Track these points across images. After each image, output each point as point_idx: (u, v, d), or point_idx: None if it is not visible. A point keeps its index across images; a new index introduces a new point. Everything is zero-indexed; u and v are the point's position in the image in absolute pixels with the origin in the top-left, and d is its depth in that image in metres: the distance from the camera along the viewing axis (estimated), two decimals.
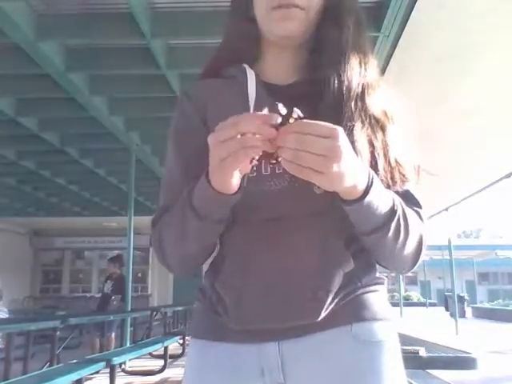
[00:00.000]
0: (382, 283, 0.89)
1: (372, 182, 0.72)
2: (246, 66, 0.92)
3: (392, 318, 0.86)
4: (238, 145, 0.63)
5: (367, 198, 0.72)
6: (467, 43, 4.56)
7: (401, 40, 4.45)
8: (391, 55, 4.72)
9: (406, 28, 4.24)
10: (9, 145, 7.68)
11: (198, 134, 0.89)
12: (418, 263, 0.86)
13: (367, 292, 0.84)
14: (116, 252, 15.32)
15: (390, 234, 0.77)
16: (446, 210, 13.40)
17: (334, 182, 0.66)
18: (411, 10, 3.99)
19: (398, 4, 3.86)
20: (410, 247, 0.81)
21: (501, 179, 9.84)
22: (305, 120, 0.64)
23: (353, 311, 0.82)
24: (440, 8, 4.01)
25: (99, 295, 8.38)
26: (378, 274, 0.88)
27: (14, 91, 5.76)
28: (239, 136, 0.63)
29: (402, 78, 5.13)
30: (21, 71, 5.27)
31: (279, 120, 0.63)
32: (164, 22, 4.28)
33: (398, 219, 0.77)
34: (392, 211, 0.76)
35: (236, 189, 0.72)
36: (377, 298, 0.85)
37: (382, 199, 0.75)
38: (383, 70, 5.00)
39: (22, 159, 8.25)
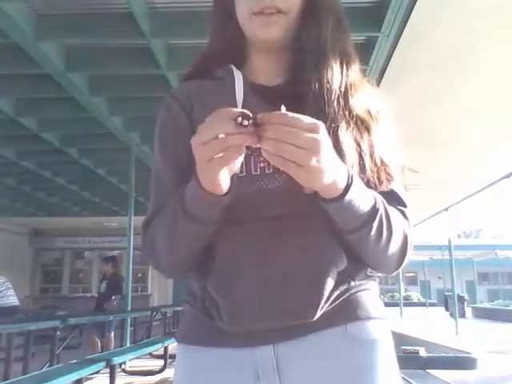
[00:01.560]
0: (374, 280, 0.89)
1: (352, 181, 0.72)
2: (233, 66, 0.92)
3: (385, 316, 0.86)
4: (219, 147, 0.63)
5: (347, 197, 0.71)
6: (467, 43, 4.56)
7: (401, 40, 4.45)
8: (391, 55, 4.72)
9: (406, 28, 4.24)
10: (9, 145, 7.68)
11: (185, 133, 0.87)
12: (403, 263, 0.85)
13: (360, 290, 0.84)
14: (116, 252, 15.36)
15: (373, 233, 0.77)
16: (446, 210, 13.40)
17: (313, 177, 0.66)
18: (411, 10, 3.99)
19: (398, 4, 3.86)
20: (393, 247, 0.81)
21: (501, 179, 9.84)
22: (288, 112, 0.64)
23: (347, 311, 0.81)
24: (440, 8, 4.02)
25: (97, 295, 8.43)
26: (369, 271, 0.87)
27: (14, 91, 5.76)
28: (221, 135, 0.63)
29: (402, 78, 5.14)
30: (21, 71, 5.27)
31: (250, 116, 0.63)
32: (164, 22, 4.29)
33: (381, 218, 0.77)
34: (374, 210, 0.76)
35: (226, 189, 0.72)
36: (370, 296, 0.85)
37: (362, 198, 0.74)
38: (383, 70, 5.00)
39: (22, 159, 8.25)
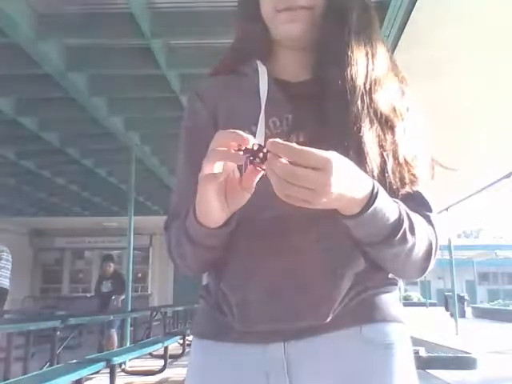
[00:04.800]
0: (395, 284, 0.85)
1: (375, 196, 0.68)
2: (258, 62, 0.91)
3: (404, 320, 0.83)
4: (221, 154, 0.65)
5: (366, 214, 0.68)
6: (467, 43, 4.56)
7: (401, 40, 4.45)
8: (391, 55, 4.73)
9: (406, 28, 4.24)
10: (9, 145, 7.68)
11: (207, 133, 0.88)
12: (427, 271, 0.83)
13: (378, 293, 0.81)
14: (116, 252, 15.32)
15: (394, 247, 0.74)
16: (446, 210, 13.39)
17: (324, 207, 0.65)
18: (411, 10, 3.99)
19: (398, 4, 3.86)
20: (416, 258, 0.78)
21: (501, 179, 9.84)
22: (296, 146, 0.61)
23: (363, 312, 0.79)
24: (440, 8, 4.01)
25: (96, 295, 8.15)
26: (390, 275, 0.85)
27: (14, 91, 5.76)
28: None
29: None
30: (21, 71, 5.27)
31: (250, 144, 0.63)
32: (164, 22, 4.28)
33: (404, 233, 0.73)
34: (397, 225, 0.72)
35: (220, 222, 0.73)
36: (388, 298, 0.83)
37: (385, 213, 0.70)
38: None
39: (22, 159, 8.25)
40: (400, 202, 0.75)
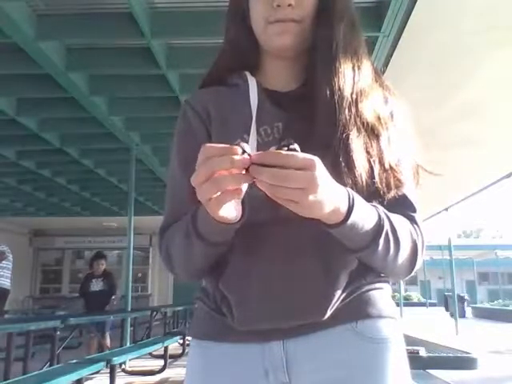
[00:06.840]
0: (387, 281, 0.89)
1: (353, 204, 0.71)
2: (247, 73, 0.93)
3: (397, 316, 0.87)
4: (213, 189, 0.62)
5: (349, 221, 0.71)
6: (467, 43, 4.56)
7: (401, 40, 4.45)
8: (391, 55, 4.72)
9: (406, 28, 4.24)
10: (9, 145, 7.68)
11: (201, 142, 0.89)
12: (414, 270, 0.86)
13: (372, 289, 0.84)
14: (116, 252, 15.32)
15: (379, 250, 0.77)
16: (446, 210, 13.40)
17: (312, 210, 0.66)
18: (411, 10, 3.99)
19: (398, 4, 3.86)
20: (402, 258, 0.81)
21: (501, 179, 9.84)
22: (281, 151, 0.61)
23: (358, 308, 0.82)
24: (440, 8, 4.02)
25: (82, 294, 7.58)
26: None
27: (14, 91, 5.76)
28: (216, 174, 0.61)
29: (402, 78, 5.14)
30: (21, 71, 5.26)
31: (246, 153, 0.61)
32: (164, 22, 4.28)
33: (386, 235, 0.76)
34: (378, 228, 0.76)
35: (236, 219, 0.72)
36: (382, 295, 0.86)
37: (366, 218, 0.74)
38: (383, 70, 5.00)
39: (22, 159, 8.24)
40: (379, 206, 0.79)
